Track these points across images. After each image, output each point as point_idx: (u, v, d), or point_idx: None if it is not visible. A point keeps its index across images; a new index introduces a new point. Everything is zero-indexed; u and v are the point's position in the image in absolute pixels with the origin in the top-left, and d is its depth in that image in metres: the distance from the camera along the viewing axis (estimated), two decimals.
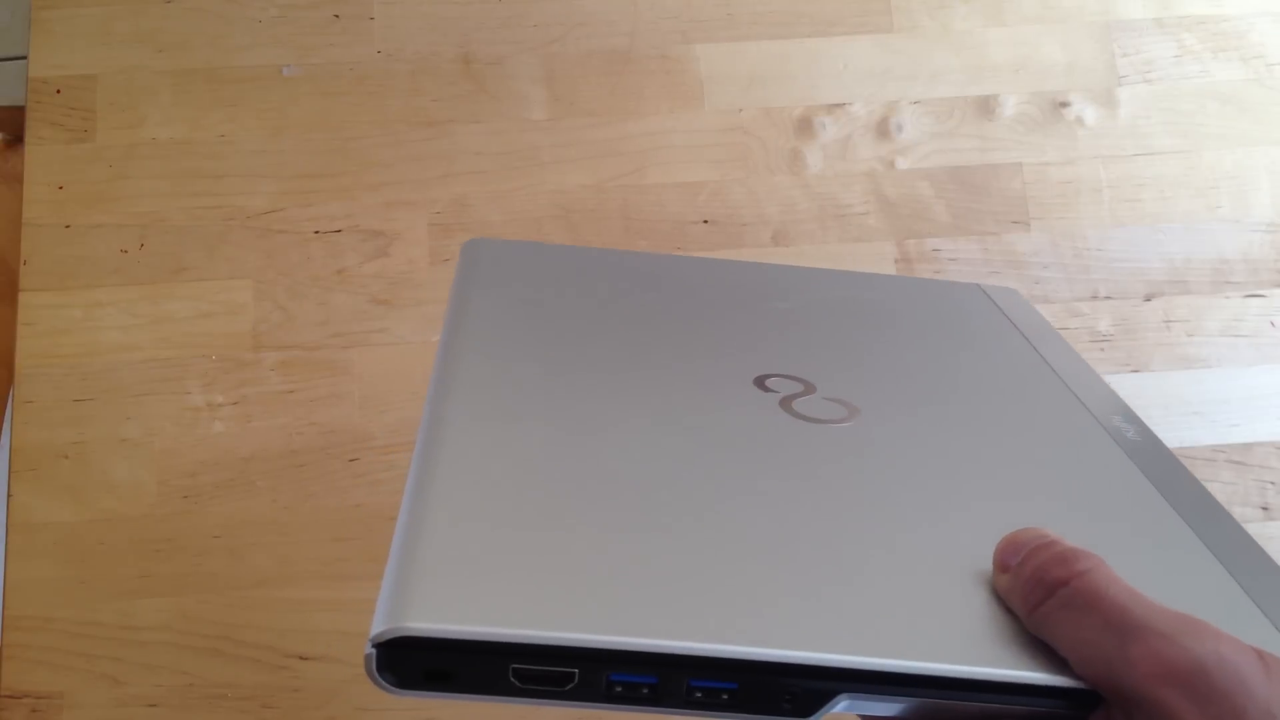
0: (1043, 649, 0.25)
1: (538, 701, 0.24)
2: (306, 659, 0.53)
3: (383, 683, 0.23)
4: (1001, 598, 0.26)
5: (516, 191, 0.60)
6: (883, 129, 0.62)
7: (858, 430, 0.33)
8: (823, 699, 0.24)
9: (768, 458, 0.31)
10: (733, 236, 0.60)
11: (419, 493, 0.27)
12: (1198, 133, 0.62)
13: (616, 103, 0.61)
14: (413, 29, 0.62)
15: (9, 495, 0.54)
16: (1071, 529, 0.26)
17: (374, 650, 0.23)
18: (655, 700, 0.24)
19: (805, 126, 0.62)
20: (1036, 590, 0.25)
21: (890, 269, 0.60)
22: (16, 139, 0.63)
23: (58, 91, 0.60)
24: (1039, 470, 0.33)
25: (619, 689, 0.24)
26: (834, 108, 0.62)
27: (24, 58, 0.60)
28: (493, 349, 0.34)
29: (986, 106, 0.62)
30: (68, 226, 0.58)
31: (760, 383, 0.34)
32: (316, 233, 0.59)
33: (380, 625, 0.23)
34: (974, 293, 0.45)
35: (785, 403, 0.33)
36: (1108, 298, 0.60)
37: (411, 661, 0.23)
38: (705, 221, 0.60)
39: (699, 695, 0.24)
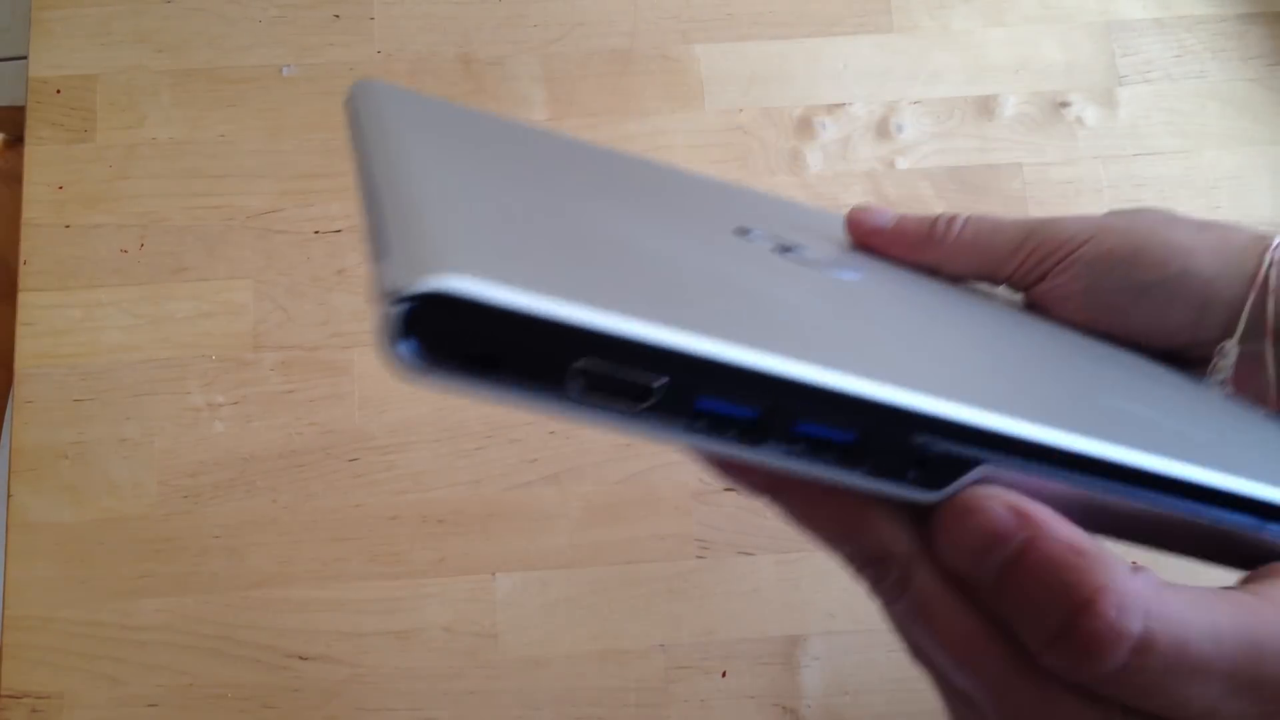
0: None
1: (593, 415, 0.16)
2: (306, 659, 0.53)
3: (402, 355, 0.15)
4: None
5: None
6: (883, 129, 0.62)
7: (868, 285, 0.26)
8: (960, 469, 0.18)
9: (817, 281, 0.24)
10: None
11: (414, 154, 0.19)
12: (1198, 133, 0.62)
13: (616, 103, 0.61)
14: (413, 29, 0.62)
15: (9, 495, 0.54)
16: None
17: (396, 308, 0.15)
18: (742, 439, 0.17)
19: (805, 126, 0.61)
20: None
21: None
22: (16, 139, 0.63)
23: (58, 91, 0.60)
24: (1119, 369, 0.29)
25: (702, 419, 0.17)
26: (834, 108, 0.62)
27: (24, 58, 0.60)
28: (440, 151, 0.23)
29: (986, 106, 0.62)
30: (68, 226, 0.58)
31: (742, 232, 0.26)
32: (316, 233, 0.59)
33: (409, 274, 0.15)
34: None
35: (779, 250, 0.25)
36: None
37: (449, 331, 0.15)
38: None
39: (800, 444, 0.17)
